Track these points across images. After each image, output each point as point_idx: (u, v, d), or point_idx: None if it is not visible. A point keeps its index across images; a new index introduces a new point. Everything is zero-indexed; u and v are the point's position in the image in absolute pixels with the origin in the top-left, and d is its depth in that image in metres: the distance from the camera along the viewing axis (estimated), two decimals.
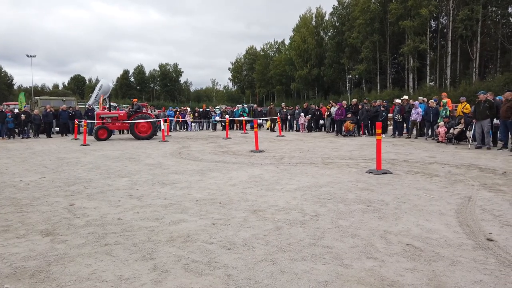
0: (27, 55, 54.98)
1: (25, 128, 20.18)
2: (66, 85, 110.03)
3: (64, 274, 3.13)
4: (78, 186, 6.81)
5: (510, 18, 46.08)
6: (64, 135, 21.20)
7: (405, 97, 18.08)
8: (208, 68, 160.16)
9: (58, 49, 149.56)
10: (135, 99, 21.63)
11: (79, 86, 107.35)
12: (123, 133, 22.72)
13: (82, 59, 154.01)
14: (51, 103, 22.84)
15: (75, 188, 6.68)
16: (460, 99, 15.10)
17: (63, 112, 21.20)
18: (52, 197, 6.00)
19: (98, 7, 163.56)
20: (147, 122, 17.90)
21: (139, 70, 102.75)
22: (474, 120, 12.31)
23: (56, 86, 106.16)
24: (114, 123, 18.30)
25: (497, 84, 34.53)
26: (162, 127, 17.90)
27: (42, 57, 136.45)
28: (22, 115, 19.79)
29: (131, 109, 19.48)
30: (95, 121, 18.47)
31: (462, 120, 13.47)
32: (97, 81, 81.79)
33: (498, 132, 12.34)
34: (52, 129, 21.71)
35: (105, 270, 3.21)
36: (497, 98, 12.56)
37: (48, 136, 20.24)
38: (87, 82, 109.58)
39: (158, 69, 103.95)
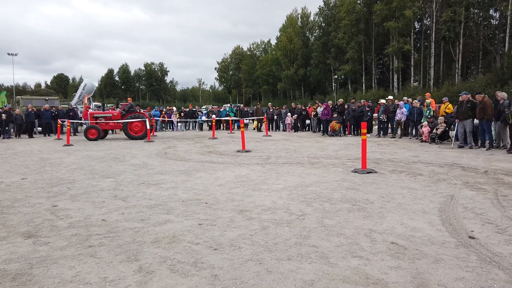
0: (8, 54, 53.64)
1: (7, 128, 19.74)
2: (49, 84, 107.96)
3: (47, 277, 3.08)
4: (61, 187, 6.69)
5: (492, 20, 47.15)
6: (47, 135, 20.81)
7: (390, 97, 18.31)
8: (194, 67, 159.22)
9: (40, 47, 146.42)
10: (130, 98, 21.37)
11: (62, 86, 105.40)
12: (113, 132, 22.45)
13: (64, 58, 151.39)
14: (34, 103, 22.40)
15: (58, 189, 6.56)
16: (443, 99, 15.38)
17: (45, 111, 20.81)
18: (35, 198, 5.88)
19: (80, 4, 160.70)
20: (141, 121, 17.75)
21: (124, 69, 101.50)
22: (456, 120, 12.56)
23: (38, 85, 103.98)
24: (107, 123, 18.06)
25: (479, 84, 35.24)
26: (148, 127, 17.73)
27: (23, 55, 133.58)
28: (3, 114, 19.35)
29: (114, 108, 19.28)
30: (79, 121, 18.16)
31: (439, 120, 13.73)
32: (81, 80, 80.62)
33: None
34: (35, 129, 21.30)
35: (89, 272, 3.16)
36: None
37: (30, 136, 19.84)
38: (71, 81, 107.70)
39: (143, 68, 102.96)
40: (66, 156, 11.46)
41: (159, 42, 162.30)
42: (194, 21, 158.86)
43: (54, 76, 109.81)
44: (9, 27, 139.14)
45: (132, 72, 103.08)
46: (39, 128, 21.80)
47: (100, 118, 18.07)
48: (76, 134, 21.85)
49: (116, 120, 18.02)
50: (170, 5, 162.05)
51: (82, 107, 26.12)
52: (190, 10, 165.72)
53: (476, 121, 12.16)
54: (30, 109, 20.18)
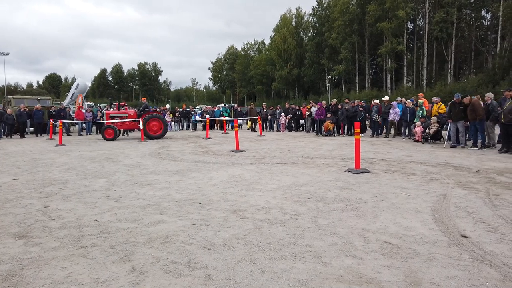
0: (0, 53, 52.96)
1: None
2: (41, 84, 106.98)
3: (38, 278, 3.05)
4: (53, 188, 6.64)
5: (484, 21, 47.62)
6: (39, 135, 20.63)
7: (386, 97, 18.32)
8: (187, 67, 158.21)
9: (31, 46, 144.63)
10: (144, 98, 21.28)
11: (55, 85, 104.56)
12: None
13: (56, 57, 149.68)
14: (25, 103, 22.19)
15: (50, 189, 6.50)
16: (435, 99, 15.49)
17: (37, 111, 20.62)
18: (26, 199, 5.82)
19: (71, 3, 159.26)
20: (159, 121, 17.95)
21: (117, 69, 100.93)
22: (449, 120, 12.67)
23: (30, 85, 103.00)
24: (123, 123, 18.14)
25: (471, 85, 35.57)
26: (141, 127, 17.67)
27: (14, 54, 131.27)
28: None
29: (111, 108, 19.21)
30: (72, 121, 17.98)
31: (432, 120, 13.85)
32: (74, 80, 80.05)
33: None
34: (26, 129, 21.10)
35: (81, 273, 3.14)
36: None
37: (22, 136, 19.66)
38: (63, 81, 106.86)
39: (136, 68, 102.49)
40: (58, 156, 11.37)
41: (152, 42, 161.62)
42: (187, 21, 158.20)
43: (46, 76, 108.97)
44: None
45: (125, 72, 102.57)
46: (31, 128, 21.61)
47: (116, 118, 18.25)
48: (70, 134, 21.68)
49: (132, 120, 18.22)
50: (163, 4, 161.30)
51: (74, 107, 25.95)
52: (183, 9, 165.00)
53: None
54: (22, 109, 19.99)
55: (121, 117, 18.33)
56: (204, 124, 24.09)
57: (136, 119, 18.05)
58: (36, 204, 5.46)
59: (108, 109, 24.21)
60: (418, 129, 14.27)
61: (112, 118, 18.25)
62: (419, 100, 15.59)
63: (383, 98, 18.28)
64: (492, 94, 12.28)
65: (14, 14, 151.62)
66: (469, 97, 12.20)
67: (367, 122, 19.58)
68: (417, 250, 3.54)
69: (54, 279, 3.02)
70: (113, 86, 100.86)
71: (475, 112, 11.62)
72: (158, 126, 17.85)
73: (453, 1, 42.19)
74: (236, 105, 39.85)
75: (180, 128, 27.00)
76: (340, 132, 18.93)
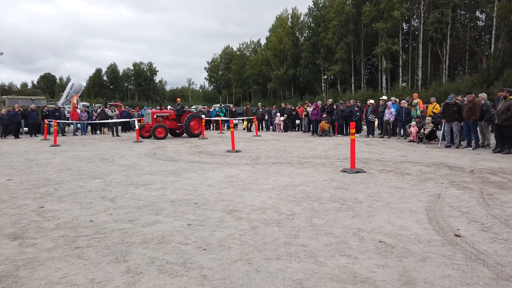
0: None
1: None
2: (36, 84, 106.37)
3: (33, 279, 3.04)
4: (48, 188, 6.61)
5: (478, 22, 47.93)
6: (34, 135, 20.51)
7: (384, 97, 18.39)
8: (183, 67, 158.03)
9: (24, 46, 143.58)
10: (179, 99, 21.36)
11: (49, 85, 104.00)
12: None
13: (50, 57, 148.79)
14: (20, 103, 22.06)
15: (45, 190, 6.48)
16: (430, 99, 15.59)
17: (32, 111, 20.51)
18: (21, 199, 5.80)
19: (64, 2, 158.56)
20: (198, 120, 18.66)
21: (112, 69, 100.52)
22: (443, 120, 12.75)
23: (25, 85, 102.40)
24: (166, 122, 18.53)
25: (466, 85, 35.77)
26: (137, 127, 17.63)
27: (8, 54, 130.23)
28: None
29: (106, 108, 19.10)
30: (66, 121, 17.81)
31: (427, 121, 13.93)
32: (68, 79, 79.62)
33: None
34: (21, 129, 20.97)
35: (76, 273, 3.13)
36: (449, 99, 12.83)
37: (16, 136, 19.54)
38: (58, 81, 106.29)
39: (132, 68, 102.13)
40: (53, 156, 11.31)
41: (146, 41, 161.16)
42: (182, 20, 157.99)
43: (41, 76, 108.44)
44: None
45: (121, 72, 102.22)
46: (26, 129, 21.48)
47: (159, 118, 18.56)
48: (64, 134, 21.58)
49: (172, 119, 18.70)
50: (157, 4, 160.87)
51: (69, 107, 25.83)
52: (177, 9, 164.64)
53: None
54: (16, 109, 19.87)
55: (163, 117, 18.66)
56: None
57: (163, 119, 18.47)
58: (31, 205, 5.44)
59: (104, 109, 24.11)
60: (413, 129, 14.35)
61: (157, 117, 18.54)
62: (414, 100, 15.68)
63: (380, 98, 18.38)
64: (486, 95, 12.40)
65: (7, 13, 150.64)
66: (473, 95, 12.16)
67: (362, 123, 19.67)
68: (412, 250, 3.56)
69: (49, 280, 3.02)
70: (108, 86, 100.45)
71: (472, 111, 11.61)
72: (197, 125, 18.48)
73: (447, 2, 42.44)
74: (231, 105, 39.85)
75: None
76: (335, 132, 18.96)
